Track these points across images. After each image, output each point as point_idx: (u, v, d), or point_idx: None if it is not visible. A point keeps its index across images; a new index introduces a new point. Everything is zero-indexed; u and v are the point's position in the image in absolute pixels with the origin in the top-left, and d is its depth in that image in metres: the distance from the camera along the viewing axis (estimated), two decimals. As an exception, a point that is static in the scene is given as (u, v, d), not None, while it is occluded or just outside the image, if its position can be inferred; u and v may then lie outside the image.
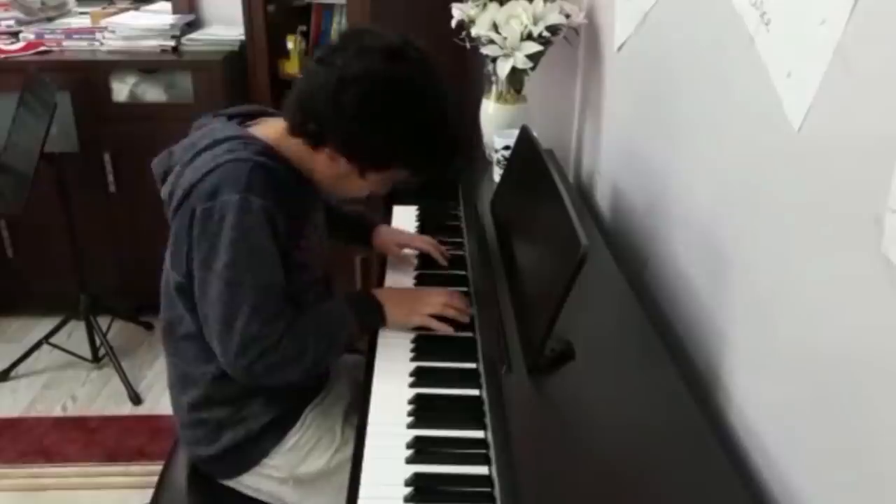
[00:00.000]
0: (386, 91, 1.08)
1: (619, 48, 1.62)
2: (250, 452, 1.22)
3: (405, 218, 1.74)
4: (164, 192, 1.17)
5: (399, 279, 1.46)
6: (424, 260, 1.51)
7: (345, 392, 1.34)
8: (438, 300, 1.25)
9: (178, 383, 1.24)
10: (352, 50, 1.08)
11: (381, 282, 1.46)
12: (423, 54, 1.12)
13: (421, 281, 1.45)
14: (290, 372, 1.13)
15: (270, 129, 1.17)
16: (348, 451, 1.21)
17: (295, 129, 1.13)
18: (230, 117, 1.21)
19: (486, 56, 1.72)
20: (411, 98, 1.09)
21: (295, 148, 1.15)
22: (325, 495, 1.25)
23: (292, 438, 1.23)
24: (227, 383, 1.17)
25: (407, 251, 1.52)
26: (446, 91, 1.14)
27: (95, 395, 2.32)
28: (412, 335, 1.25)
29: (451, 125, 1.16)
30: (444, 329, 1.23)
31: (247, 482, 1.24)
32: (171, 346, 1.23)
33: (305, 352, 1.12)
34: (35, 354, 2.40)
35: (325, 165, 1.15)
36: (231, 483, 1.25)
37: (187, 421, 1.23)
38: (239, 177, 1.06)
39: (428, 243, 1.51)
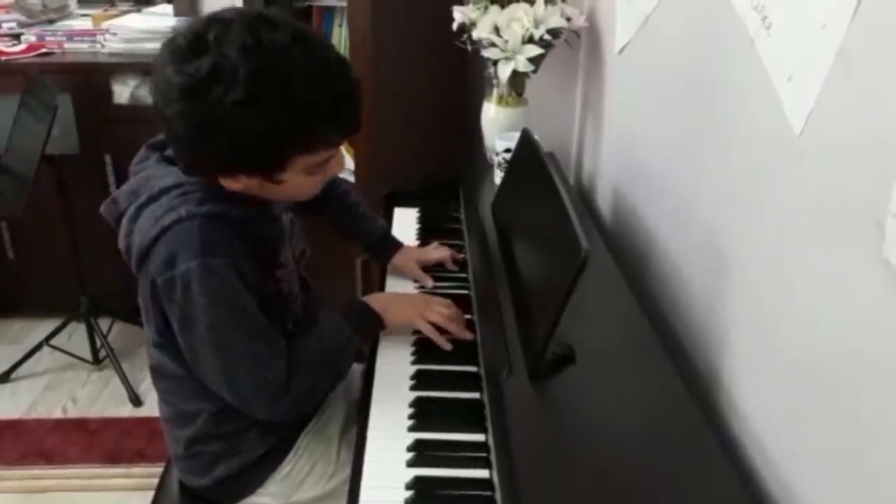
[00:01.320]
0: (197, 98, 0.91)
1: (621, 51, 1.62)
2: (245, 483, 1.21)
3: (406, 220, 1.74)
4: (120, 243, 1.10)
5: (400, 281, 1.46)
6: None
7: (340, 409, 1.32)
8: (443, 310, 1.23)
9: (175, 420, 1.20)
10: (160, 58, 0.98)
11: (382, 284, 1.46)
12: (217, 37, 0.92)
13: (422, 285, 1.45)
14: (303, 405, 1.14)
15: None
16: (344, 474, 1.20)
17: (184, 168, 1.03)
18: (163, 146, 1.11)
19: (488, 59, 1.72)
20: (230, 90, 0.90)
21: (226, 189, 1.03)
22: None
23: (287, 467, 1.21)
24: (225, 419, 1.15)
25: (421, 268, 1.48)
26: (285, 47, 0.93)
27: (96, 397, 2.32)
28: (412, 339, 1.25)
29: (310, 80, 0.94)
30: (443, 343, 1.21)
31: None
32: (163, 385, 1.20)
33: (316, 382, 1.12)
34: (36, 356, 2.41)
35: (235, 186, 1.01)
36: None
37: (182, 454, 1.21)
38: (191, 239, 0.98)
39: (442, 252, 1.50)
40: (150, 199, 1.04)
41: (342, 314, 1.19)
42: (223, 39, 0.92)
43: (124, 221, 1.08)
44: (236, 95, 0.90)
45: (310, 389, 1.12)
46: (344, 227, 1.49)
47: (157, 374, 1.19)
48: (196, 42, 0.93)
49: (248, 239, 1.04)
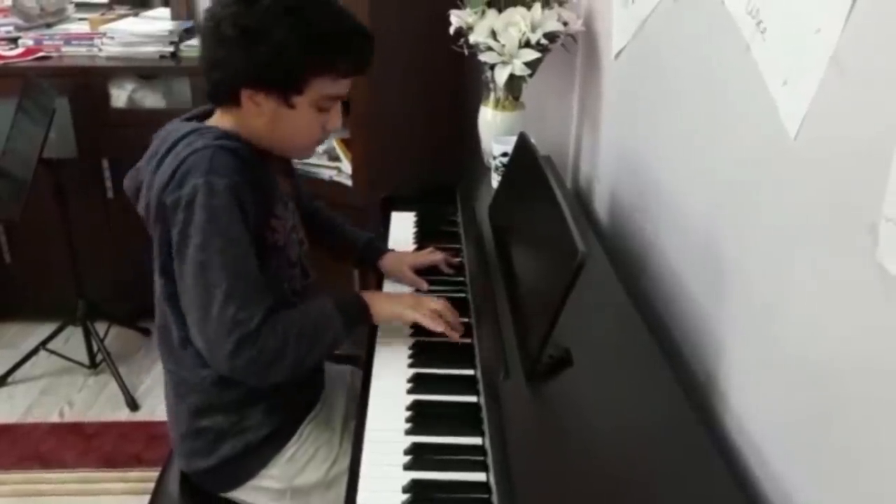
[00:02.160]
0: (253, 4, 1.08)
1: (617, 55, 1.63)
2: (248, 464, 1.21)
3: (403, 224, 1.74)
4: (140, 208, 1.17)
5: (397, 286, 1.46)
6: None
7: (341, 404, 1.33)
8: (434, 306, 1.22)
9: (176, 391, 1.23)
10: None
11: (379, 287, 1.46)
12: None
13: (419, 287, 1.45)
14: (273, 369, 1.09)
15: (223, 119, 1.18)
16: (346, 462, 1.20)
17: (211, 96, 1.17)
18: (185, 120, 1.21)
19: (484, 63, 1.73)
20: (282, 3, 1.08)
21: (247, 124, 1.15)
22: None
23: (290, 450, 1.22)
24: (227, 388, 1.17)
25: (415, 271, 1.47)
26: None
27: (92, 401, 2.32)
28: (410, 342, 1.25)
29: (338, 14, 1.14)
30: (437, 325, 1.20)
31: (242, 496, 1.24)
32: (167, 355, 1.22)
33: (286, 347, 1.08)
34: (32, 360, 2.40)
35: (258, 118, 1.14)
36: (227, 495, 1.24)
37: (186, 431, 1.22)
38: (202, 162, 1.07)
39: (435, 255, 1.49)
40: (173, 144, 1.12)
41: (330, 296, 1.19)
42: None
43: (146, 178, 1.14)
44: (286, 6, 1.08)
45: (277, 353, 1.08)
46: (332, 243, 1.48)
47: (162, 341, 1.21)
48: None
49: (252, 172, 1.11)
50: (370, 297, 1.22)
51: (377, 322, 1.23)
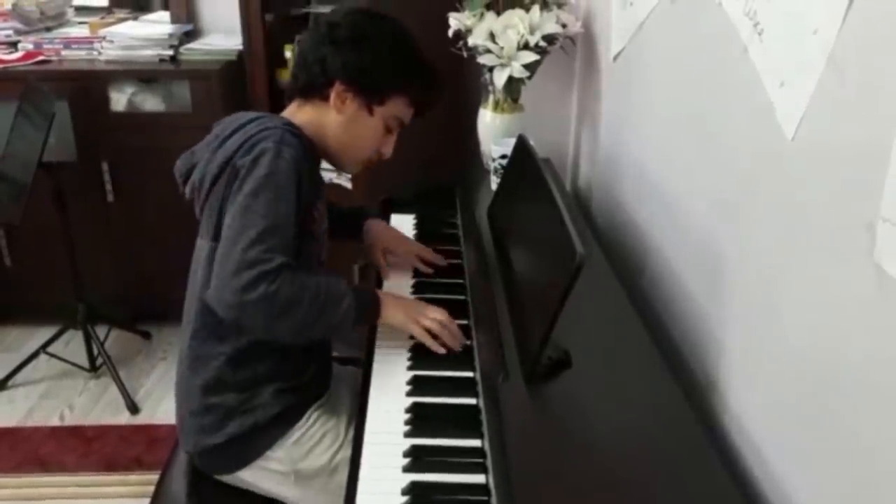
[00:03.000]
0: (371, 20, 1.27)
1: (616, 57, 1.63)
2: (255, 443, 1.22)
3: (403, 226, 1.74)
4: (188, 187, 1.25)
5: (396, 287, 1.46)
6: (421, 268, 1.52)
7: (347, 398, 1.35)
8: (437, 316, 1.23)
9: (192, 366, 1.23)
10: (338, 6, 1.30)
11: (378, 287, 1.46)
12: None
13: (418, 289, 1.45)
14: (280, 322, 1.09)
15: (296, 114, 1.28)
16: (349, 451, 1.23)
17: (302, 86, 1.27)
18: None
19: (483, 65, 1.73)
20: (393, 26, 1.28)
21: (308, 125, 1.25)
22: (324, 493, 1.26)
23: (297, 433, 1.24)
24: (241, 367, 1.20)
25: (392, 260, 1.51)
26: (411, 34, 1.31)
27: (93, 405, 2.32)
28: (409, 344, 1.25)
29: (424, 56, 1.30)
30: (436, 347, 1.21)
31: (247, 477, 1.25)
32: (190, 328, 1.23)
33: (299, 303, 1.09)
34: (32, 363, 2.40)
35: (338, 115, 1.26)
36: (231, 479, 1.25)
37: (197, 407, 1.23)
38: (274, 134, 1.16)
39: (413, 256, 1.49)
40: (241, 126, 1.21)
41: (350, 286, 1.20)
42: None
43: (204, 156, 1.22)
44: (393, 32, 1.28)
45: (288, 303, 1.08)
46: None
47: (189, 313, 1.25)
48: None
49: (308, 167, 1.20)
50: (383, 297, 1.24)
51: (383, 322, 1.23)
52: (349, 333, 1.19)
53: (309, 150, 1.22)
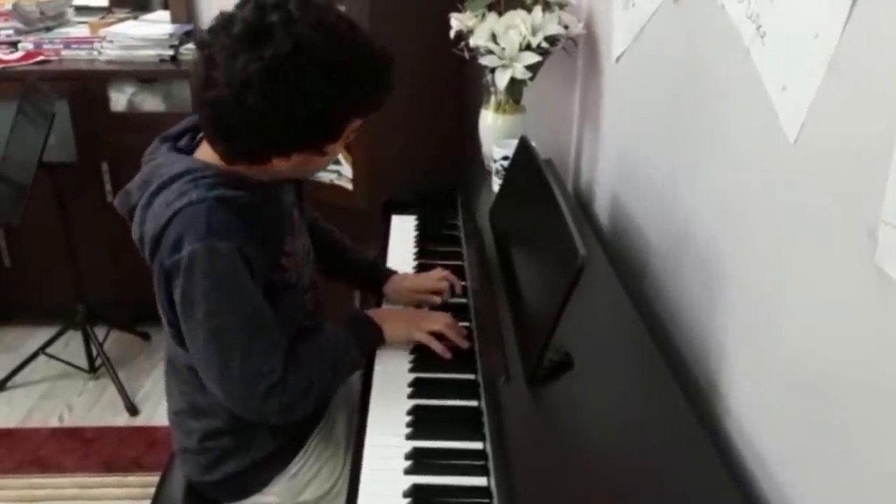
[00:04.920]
0: (281, 72, 0.97)
1: (618, 59, 1.63)
2: (252, 480, 1.21)
3: (404, 228, 1.74)
4: (134, 234, 1.11)
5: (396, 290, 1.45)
6: (422, 271, 1.51)
7: (344, 418, 1.33)
8: (441, 319, 1.23)
9: (189, 411, 1.21)
10: (222, 51, 0.98)
11: (379, 303, 1.45)
12: (289, 12, 0.99)
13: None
14: (301, 408, 1.11)
15: (216, 157, 1.09)
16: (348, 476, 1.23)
17: (231, 158, 1.06)
18: (175, 138, 1.15)
19: (485, 66, 1.73)
20: (309, 61, 0.98)
21: (250, 169, 1.08)
22: None
23: (295, 466, 1.22)
24: (238, 415, 1.15)
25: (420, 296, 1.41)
26: (341, 23, 1.02)
27: (92, 406, 2.31)
28: (410, 347, 1.25)
29: (364, 51, 1.04)
30: (443, 350, 1.21)
31: None
32: (177, 377, 1.20)
33: (311, 386, 1.10)
34: (32, 364, 2.40)
35: (281, 165, 1.08)
36: None
37: (194, 447, 1.21)
38: (198, 223, 1.00)
39: (440, 284, 1.41)
40: (161, 186, 1.05)
41: (345, 324, 1.20)
42: (288, 21, 0.98)
43: (137, 211, 1.08)
44: (319, 66, 0.98)
45: (304, 392, 1.09)
46: (333, 263, 1.42)
47: (172, 365, 1.20)
48: (261, 28, 0.98)
49: (256, 224, 1.05)
50: (382, 319, 1.23)
51: (390, 341, 1.23)
52: (360, 366, 1.20)
53: (253, 202, 1.05)
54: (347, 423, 1.31)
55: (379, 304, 1.44)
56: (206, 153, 1.10)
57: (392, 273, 1.45)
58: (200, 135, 1.13)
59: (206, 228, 1.00)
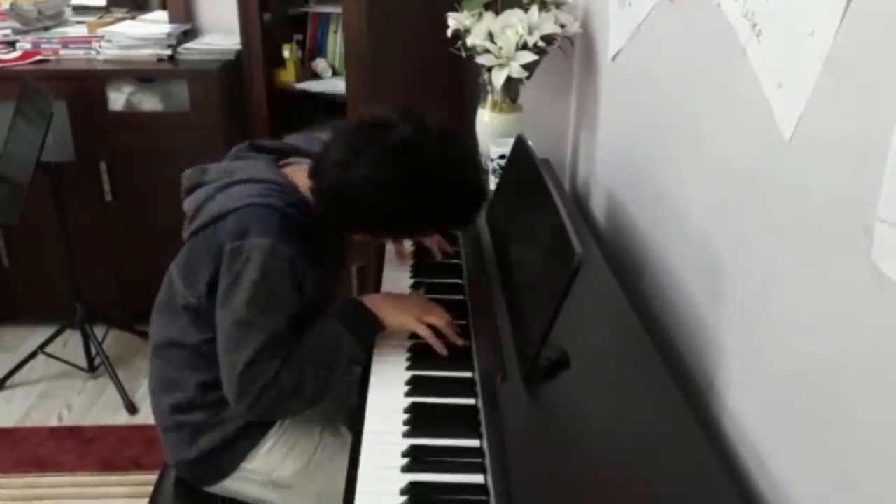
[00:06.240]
0: (416, 152, 1.09)
1: (614, 58, 1.63)
2: (227, 457, 1.23)
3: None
4: (187, 205, 1.20)
5: (395, 287, 1.46)
6: (419, 268, 1.52)
7: (326, 399, 1.33)
8: (441, 314, 1.23)
9: (162, 386, 1.26)
10: (368, 155, 1.08)
11: (377, 291, 1.46)
12: (427, 125, 1.13)
13: (417, 289, 1.45)
14: (293, 405, 1.15)
15: (303, 175, 1.18)
16: (328, 452, 1.27)
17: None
18: (268, 151, 1.26)
19: (482, 65, 1.73)
20: (424, 179, 1.09)
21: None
22: (306, 496, 1.27)
23: (269, 441, 1.24)
24: (210, 391, 1.19)
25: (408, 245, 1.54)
26: (462, 154, 1.16)
27: (91, 405, 2.32)
28: (408, 344, 1.25)
29: (468, 183, 1.16)
30: (441, 348, 1.21)
31: (231, 487, 1.25)
32: (161, 350, 1.25)
33: (303, 383, 1.12)
34: (30, 364, 2.40)
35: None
36: (216, 489, 1.26)
37: (167, 424, 1.25)
38: (270, 223, 1.10)
39: (431, 240, 1.52)
40: (248, 180, 1.14)
41: (337, 314, 1.20)
42: (426, 141, 1.11)
43: (208, 188, 1.17)
44: (431, 173, 1.10)
45: (295, 390, 1.12)
46: None
47: (158, 335, 1.25)
48: (411, 147, 1.10)
49: (314, 249, 1.15)
50: (378, 306, 1.22)
51: (388, 329, 1.23)
52: (361, 356, 1.21)
53: (315, 229, 1.16)
54: (325, 403, 1.30)
55: (378, 286, 1.45)
56: (294, 177, 1.19)
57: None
58: (289, 159, 1.25)
59: (276, 230, 1.09)
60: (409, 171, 1.09)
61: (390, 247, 1.55)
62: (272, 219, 1.10)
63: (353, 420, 1.14)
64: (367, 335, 1.21)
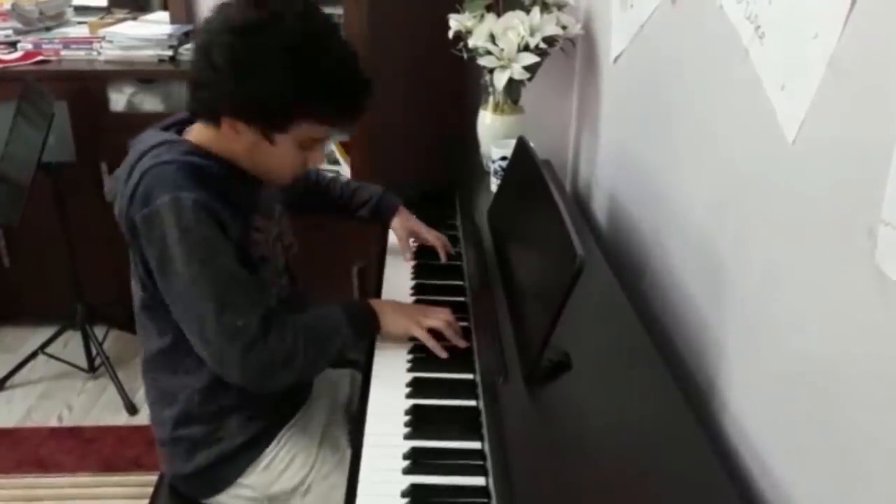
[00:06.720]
0: (251, 36, 1.03)
1: (616, 59, 1.63)
2: (224, 472, 1.22)
3: (402, 228, 1.74)
4: (116, 211, 1.15)
5: (396, 287, 1.46)
6: (421, 269, 1.52)
7: (324, 407, 1.33)
8: (441, 315, 1.22)
9: (161, 399, 1.23)
10: (216, 15, 1.07)
11: (378, 292, 1.46)
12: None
13: (418, 290, 1.45)
14: (282, 376, 1.11)
15: (203, 132, 1.14)
16: (325, 469, 1.25)
17: (193, 110, 1.13)
18: (163, 128, 1.19)
19: (484, 67, 1.73)
20: (280, 40, 1.03)
21: (224, 144, 1.12)
22: None
23: (266, 458, 1.23)
24: (209, 399, 1.18)
25: (412, 243, 1.56)
26: (329, 29, 1.09)
27: (91, 405, 2.32)
28: (409, 346, 1.25)
29: (340, 61, 1.08)
30: (439, 350, 1.20)
31: (225, 501, 1.24)
32: (150, 364, 1.23)
33: (296, 353, 1.10)
34: (31, 364, 2.40)
35: (237, 143, 1.11)
36: (211, 502, 1.24)
37: (166, 437, 1.23)
38: (165, 177, 1.05)
39: (437, 238, 1.54)
40: (142, 154, 1.10)
41: (341, 304, 1.20)
42: (284, 5, 1.06)
43: (119, 187, 1.13)
44: (284, 44, 1.03)
45: (286, 359, 1.09)
46: (344, 201, 1.52)
47: (145, 356, 1.21)
48: (257, 3, 1.06)
49: (222, 190, 1.09)
50: (380, 309, 1.22)
51: (385, 332, 1.23)
52: (353, 352, 1.21)
53: (220, 172, 1.11)
54: (325, 417, 1.31)
55: (378, 289, 1.46)
56: (189, 136, 1.15)
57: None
58: (188, 127, 1.18)
59: (172, 182, 1.05)
60: (261, 46, 1.03)
61: (393, 243, 1.55)
62: (166, 173, 1.05)
63: (354, 422, 1.14)
64: (364, 329, 1.20)
